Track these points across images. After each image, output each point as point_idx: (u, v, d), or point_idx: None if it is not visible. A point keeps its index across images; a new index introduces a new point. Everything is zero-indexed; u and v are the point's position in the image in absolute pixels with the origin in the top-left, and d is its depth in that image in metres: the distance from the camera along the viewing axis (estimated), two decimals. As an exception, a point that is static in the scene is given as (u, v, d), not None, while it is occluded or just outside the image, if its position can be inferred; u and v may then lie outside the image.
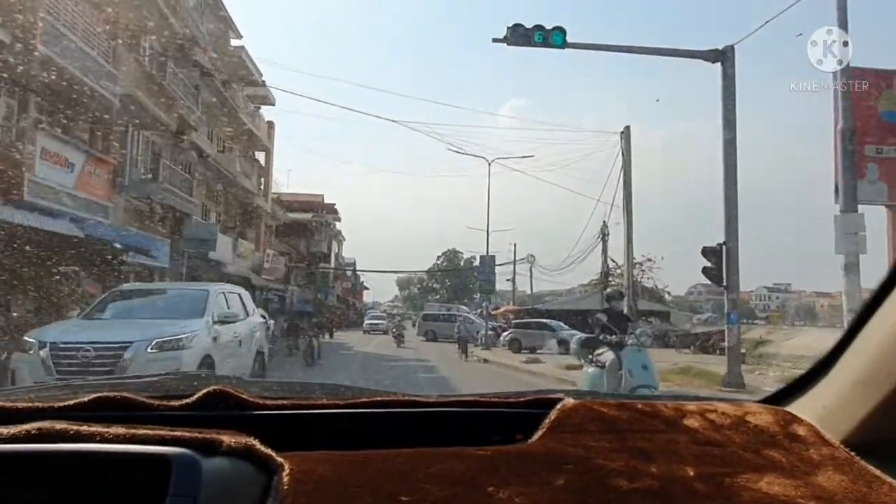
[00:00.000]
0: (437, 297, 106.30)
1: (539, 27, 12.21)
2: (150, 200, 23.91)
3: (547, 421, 1.14)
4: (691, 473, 1.01)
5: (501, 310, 49.40)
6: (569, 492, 0.95)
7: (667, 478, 0.99)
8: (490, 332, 37.09)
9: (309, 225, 64.15)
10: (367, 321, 49.19)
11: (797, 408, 1.25)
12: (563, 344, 29.78)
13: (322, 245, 65.55)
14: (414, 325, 48.95)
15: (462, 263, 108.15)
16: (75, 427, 0.96)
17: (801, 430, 1.15)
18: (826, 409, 1.19)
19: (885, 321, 1.09)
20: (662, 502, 0.94)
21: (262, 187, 40.44)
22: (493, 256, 34.29)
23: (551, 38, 12.22)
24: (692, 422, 1.17)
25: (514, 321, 33.14)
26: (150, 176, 24.67)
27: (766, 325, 60.09)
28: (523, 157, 38.10)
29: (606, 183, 24.26)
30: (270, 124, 40.84)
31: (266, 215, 41.34)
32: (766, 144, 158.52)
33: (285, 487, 0.90)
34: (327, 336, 40.56)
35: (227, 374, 8.21)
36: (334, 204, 76.28)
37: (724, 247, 12.30)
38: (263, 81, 39.22)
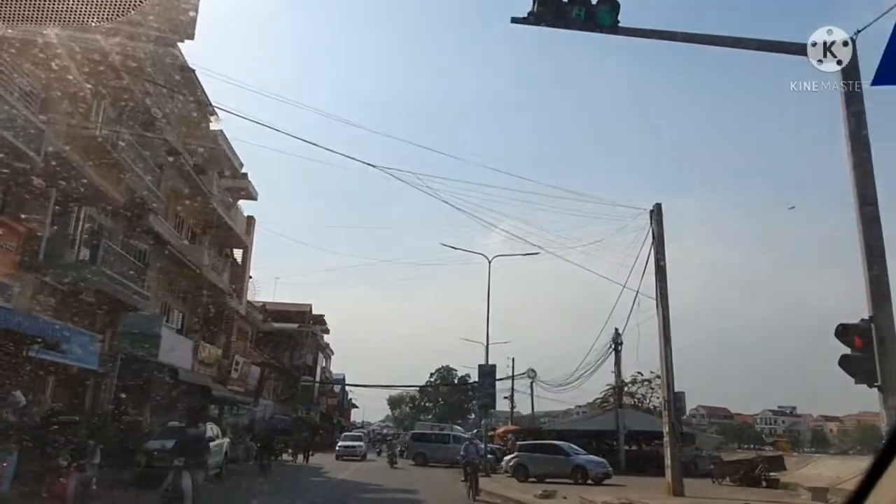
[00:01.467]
0: (430, 416, 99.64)
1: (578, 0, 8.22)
2: (83, 286, 19.36)
3: None
4: None
5: (500, 430, 43.58)
6: None
7: None
8: (489, 457, 31.50)
9: (294, 335, 59.27)
10: (340, 444, 40.08)
11: None
12: (580, 471, 24.36)
13: (307, 357, 60.24)
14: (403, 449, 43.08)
15: (455, 381, 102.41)
16: None
17: None
18: None
19: None
20: None
21: (237, 288, 35.91)
22: (494, 366, 29.39)
23: (597, 15, 8.23)
24: None
25: (518, 443, 27.66)
26: (84, 258, 20.28)
27: (773, 451, 54.21)
28: (528, 254, 33.05)
29: (631, 270, 19.80)
30: (250, 220, 36.88)
31: (240, 319, 36.55)
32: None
33: None
34: (299, 458, 34.79)
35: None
36: (323, 315, 71.79)
37: (872, 325, 7.70)
38: (245, 173, 35.73)
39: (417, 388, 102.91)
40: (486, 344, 29.32)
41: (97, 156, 18.97)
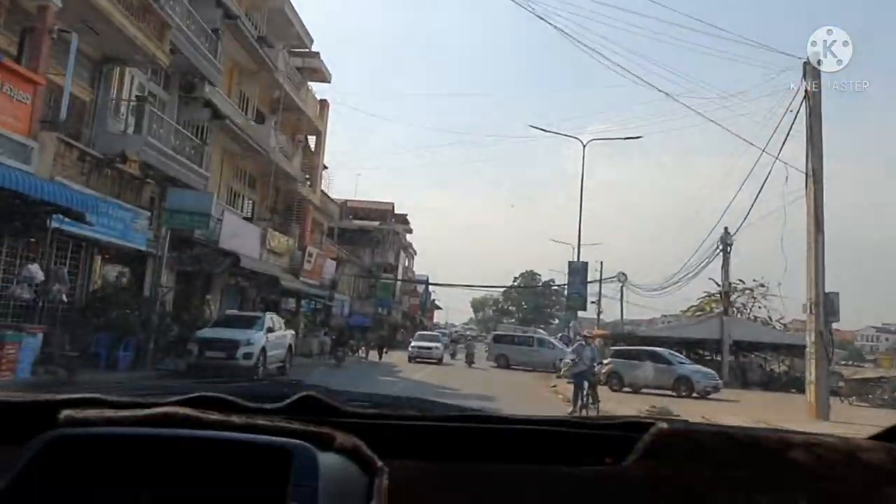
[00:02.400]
0: (513, 319, 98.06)
1: None
2: (127, 158, 17.05)
3: (641, 444, 1.06)
4: None
5: (596, 332, 40.54)
6: None
7: None
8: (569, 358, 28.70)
9: (375, 233, 57.46)
10: (413, 343, 34.33)
11: None
12: (684, 383, 21.10)
13: (388, 256, 58.56)
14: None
15: (540, 287, 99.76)
16: (197, 414, 0.98)
17: None
18: None
19: None
20: None
21: (310, 177, 33.52)
22: (586, 264, 26.09)
23: None
24: (798, 454, 1.06)
25: (613, 349, 24.44)
26: (129, 126, 17.92)
27: (875, 369, 49.07)
28: (628, 138, 28.99)
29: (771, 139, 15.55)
30: (324, 103, 33.96)
31: (314, 210, 34.33)
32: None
33: (386, 491, 0.90)
34: (372, 355, 33.15)
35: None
36: (406, 214, 69.72)
37: None
38: (316, 52, 32.55)
39: (501, 292, 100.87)
40: (577, 240, 25.94)
41: (130, 3, 16.14)
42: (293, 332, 21.83)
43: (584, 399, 15.51)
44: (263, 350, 17.61)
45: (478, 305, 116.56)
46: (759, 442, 1.10)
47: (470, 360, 34.01)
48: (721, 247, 29.95)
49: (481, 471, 1.00)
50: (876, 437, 1.22)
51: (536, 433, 1.16)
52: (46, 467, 0.92)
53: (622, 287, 45.94)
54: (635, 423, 1.15)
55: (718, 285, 47.48)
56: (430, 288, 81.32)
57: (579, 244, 25.63)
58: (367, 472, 0.95)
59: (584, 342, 17.06)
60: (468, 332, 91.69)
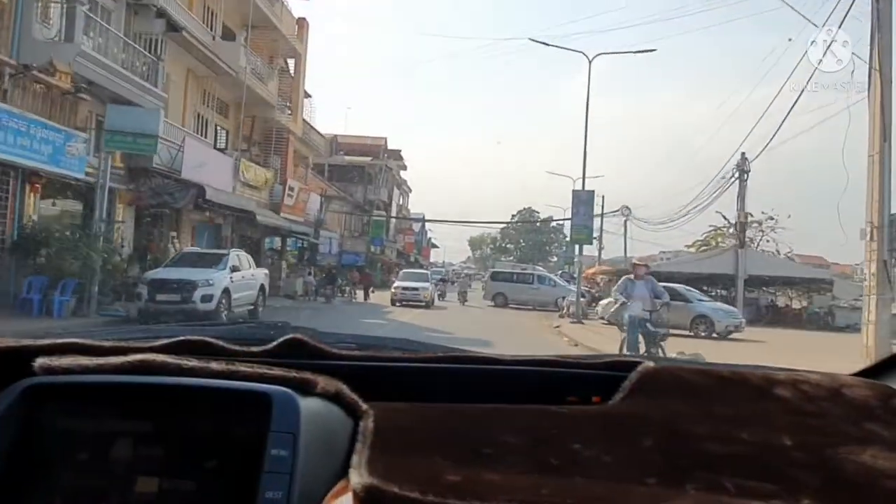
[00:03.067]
0: (511, 257, 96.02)
1: None
2: (51, 68, 14.32)
3: (628, 383, 1.07)
4: (788, 443, 0.93)
5: (592, 270, 38.30)
6: (657, 453, 0.90)
7: (762, 445, 0.93)
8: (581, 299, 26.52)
9: (367, 169, 54.66)
10: (397, 284, 29.05)
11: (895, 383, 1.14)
12: (703, 322, 18.90)
13: (381, 193, 55.87)
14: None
15: (538, 224, 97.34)
16: (175, 361, 0.97)
17: None
18: None
19: None
20: (759, 469, 0.88)
21: (291, 105, 30.60)
22: (592, 192, 23.51)
23: None
24: (783, 391, 1.07)
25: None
26: (61, 34, 15.12)
27: None
28: (640, 51, 25.32)
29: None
30: (301, 22, 30.74)
31: (296, 141, 31.52)
32: None
33: (372, 432, 0.90)
34: (359, 295, 30.96)
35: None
36: (399, 150, 66.70)
37: None
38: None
39: (499, 230, 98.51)
40: (583, 165, 23.22)
41: None
42: (266, 271, 19.41)
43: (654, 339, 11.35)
44: (227, 291, 15.31)
45: (475, 244, 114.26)
46: (745, 379, 1.11)
47: (463, 299, 32.04)
48: (737, 174, 27.35)
49: (467, 411, 0.99)
50: (861, 374, 1.23)
51: (523, 373, 1.16)
52: (21, 416, 0.91)
53: (625, 221, 43.58)
54: (622, 361, 1.16)
55: (725, 219, 45.27)
56: (427, 226, 79.00)
57: (584, 171, 23.03)
58: (351, 415, 0.95)
59: (632, 277, 12.12)
60: (465, 271, 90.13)
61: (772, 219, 43.28)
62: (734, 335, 18.57)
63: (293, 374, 0.96)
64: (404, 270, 34.62)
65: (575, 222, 23.96)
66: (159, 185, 19.08)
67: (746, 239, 45.32)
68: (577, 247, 26.06)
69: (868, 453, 0.92)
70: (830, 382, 1.11)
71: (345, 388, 0.97)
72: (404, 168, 68.83)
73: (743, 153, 27.12)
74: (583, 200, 23.62)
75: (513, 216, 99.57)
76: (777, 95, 25.74)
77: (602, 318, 23.67)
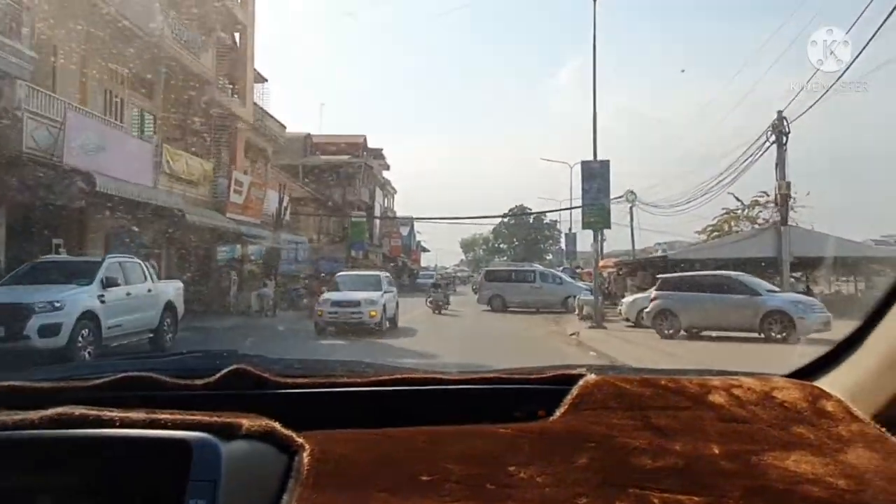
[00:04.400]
0: (505, 257, 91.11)
1: None
2: None
3: (569, 398, 1.07)
4: (717, 451, 0.95)
5: (602, 263, 33.02)
6: (592, 470, 0.91)
7: (692, 456, 0.94)
8: (589, 297, 21.33)
9: (346, 168, 49.47)
10: (324, 297, 17.61)
11: (825, 383, 1.16)
12: (778, 319, 13.61)
13: (362, 193, 50.59)
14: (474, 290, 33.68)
15: (531, 221, 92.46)
16: (95, 412, 0.94)
17: (829, 406, 1.07)
18: (856, 385, 1.12)
19: None
20: (688, 481, 0.89)
21: (239, 88, 25.32)
22: (607, 162, 18.34)
23: None
24: (717, 398, 1.08)
25: (662, 278, 16.58)
26: None
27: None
28: None
29: None
30: (245, -12, 25.50)
31: (248, 130, 26.21)
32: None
33: (306, 468, 0.88)
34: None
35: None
36: (381, 149, 61.49)
37: None
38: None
39: (490, 230, 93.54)
40: (593, 133, 17.95)
41: None
42: (178, 284, 14.11)
43: None
44: (93, 317, 10.05)
45: (467, 246, 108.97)
46: (683, 388, 1.11)
47: (435, 307, 23.74)
48: (774, 138, 22.22)
49: (409, 436, 0.97)
50: (793, 374, 1.24)
51: (470, 391, 1.15)
52: None
53: (631, 208, 38.33)
54: (566, 374, 1.15)
55: (739, 200, 40.15)
56: (417, 229, 73.88)
57: (595, 135, 17.80)
58: (284, 452, 0.91)
59: None
60: (459, 273, 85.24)
61: (774, 202, 38.36)
62: (822, 334, 13.22)
63: (216, 417, 0.92)
64: (340, 273, 21.54)
65: (586, 201, 18.76)
66: (34, 176, 13.85)
67: (762, 220, 40.63)
68: (593, 233, 20.57)
69: (792, 458, 0.93)
70: (762, 386, 1.12)
71: (276, 426, 0.93)
72: (387, 168, 63.65)
73: (779, 111, 22.08)
74: (595, 173, 18.35)
75: (504, 215, 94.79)
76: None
77: (627, 319, 18.49)
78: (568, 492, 0.87)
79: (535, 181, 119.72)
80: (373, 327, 16.37)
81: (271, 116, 30.05)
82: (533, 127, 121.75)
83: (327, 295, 17.60)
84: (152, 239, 19.05)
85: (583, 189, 18.75)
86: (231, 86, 24.76)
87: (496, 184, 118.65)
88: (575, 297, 23.78)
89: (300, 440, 0.93)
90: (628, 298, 19.33)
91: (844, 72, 16.00)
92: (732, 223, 41.60)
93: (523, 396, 1.13)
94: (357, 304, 16.43)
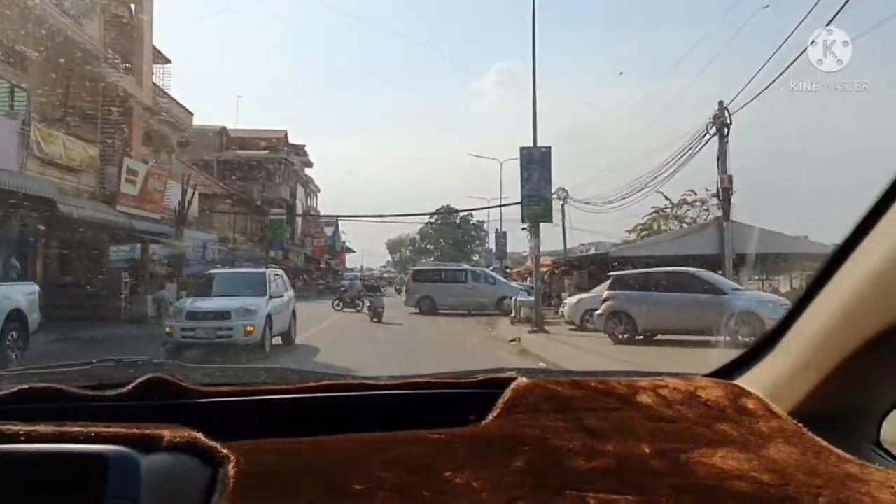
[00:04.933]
0: (432, 258, 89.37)
1: None
2: None
3: (501, 401, 1.05)
4: (647, 451, 0.95)
5: (531, 264, 31.46)
6: (527, 474, 0.89)
7: (623, 456, 0.94)
8: (527, 298, 19.56)
9: (265, 164, 46.35)
10: (175, 305, 13.92)
11: (746, 381, 1.18)
12: (748, 322, 12.00)
13: (281, 190, 47.42)
14: (399, 292, 31.49)
15: (458, 223, 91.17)
16: None
17: (750, 404, 1.09)
18: (774, 383, 1.13)
19: (831, 297, 1.03)
20: (620, 481, 0.89)
21: (134, 66, 22.18)
22: (549, 149, 16.52)
23: None
24: (645, 398, 1.09)
25: (614, 276, 14.70)
26: None
27: None
28: None
29: None
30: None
31: (146, 114, 23.08)
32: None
33: (232, 480, 0.83)
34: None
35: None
36: (304, 145, 58.35)
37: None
38: None
39: (417, 230, 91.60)
40: (532, 116, 16.08)
41: None
42: (33, 289, 11.26)
43: None
44: None
45: (394, 246, 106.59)
46: (612, 389, 1.11)
47: (374, 314, 20.02)
48: (715, 129, 21.07)
49: (339, 443, 0.93)
50: (714, 374, 1.25)
51: (399, 397, 1.12)
52: None
53: (563, 205, 37.07)
54: (497, 378, 1.13)
55: (667, 199, 39.56)
56: (341, 229, 71.05)
57: (535, 120, 15.94)
58: (208, 464, 0.85)
59: None
60: (385, 275, 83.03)
61: (716, 196, 38.04)
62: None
63: (135, 429, 0.85)
64: (212, 271, 16.16)
65: (526, 192, 16.87)
66: None
67: (689, 219, 40.18)
68: (531, 228, 18.54)
69: (718, 455, 0.94)
70: (687, 386, 1.13)
71: (199, 437, 0.87)
72: (310, 165, 60.51)
73: (720, 101, 20.97)
74: (535, 161, 16.49)
75: (430, 215, 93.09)
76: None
77: (571, 322, 16.74)
78: (504, 496, 0.86)
79: (463, 182, 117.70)
80: (250, 349, 11.52)
81: (176, 102, 26.96)
82: (459, 129, 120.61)
83: (181, 303, 13.24)
84: (19, 234, 15.94)
85: (522, 178, 16.85)
86: (125, 64, 21.63)
87: (424, 184, 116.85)
88: (509, 297, 21.98)
89: (224, 451, 0.86)
90: (571, 299, 17.59)
91: (786, 70, 15.45)
92: (661, 222, 41.14)
93: (454, 401, 1.11)
94: (225, 315, 11.51)
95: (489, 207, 45.81)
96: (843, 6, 10.98)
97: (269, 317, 12.13)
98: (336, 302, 25.16)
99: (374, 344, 14.43)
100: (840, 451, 0.97)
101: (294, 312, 14.21)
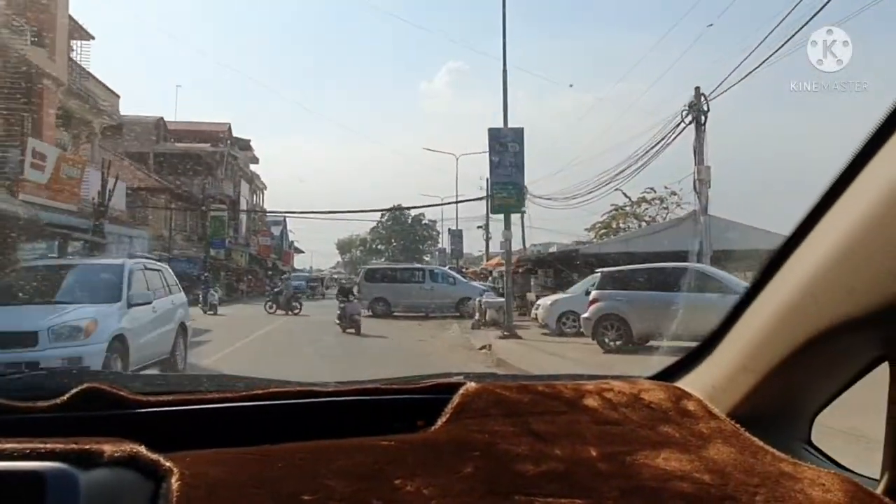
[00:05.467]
0: (383, 258, 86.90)
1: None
2: None
3: (450, 407, 1.04)
4: (594, 454, 0.96)
5: (494, 262, 29.61)
6: (477, 479, 0.88)
7: (571, 460, 0.94)
8: (494, 299, 17.55)
9: (205, 158, 43.23)
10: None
11: (686, 383, 1.20)
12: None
13: (224, 186, 44.31)
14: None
15: (410, 222, 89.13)
16: None
17: (690, 406, 1.11)
18: (713, 385, 1.15)
19: (768, 301, 1.05)
20: (568, 485, 0.89)
21: (41, 32, 19.24)
22: (522, 130, 14.51)
23: None
24: (591, 401, 1.10)
25: (603, 273, 12.77)
26: None
27: None
28: None
29: None
30: None
31: (55, 90, 20.11)
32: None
33: (175, 494, 0.78)
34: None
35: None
36: (249, 140, 55.27)
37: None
38: None
39: (368, 230, 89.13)
40: (503, 89, 13.99)
41: None
42: None
43: None
44: None
45: (344, 247, 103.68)
46: (559, 392, 1.11)
47: (349, 323, 16.46)
48: (691, 117, 19.47)
49: (287, 452, 0.89)
50: (657, 376, 1.26)
51: (347, 404, 1.10)
52: None
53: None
54: (445, 383, 1.12)
55: (627, 196, 38.22)
56: (289, 228, 68.08)
57: (506, 102, 13.82)
58: (150, 478, 0.81)
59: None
60: (336, 276, 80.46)
61: (675, 194, 36.96)
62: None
63: (73, 445, 0.80)
64: (36, 262, 12.48)
65: (496, 178, 14.77)
66: None
67: (649, 217, 38.97)
68: (506, 216, 16.33)
69: (661, 456, 0.95)
70: (630, 388, 1.13)
71: (140, 450, 0.82)
72: (255, 161, 57.46)
73: (697, 88, 19.44)
74: (507, 143, 14.38)
75: (382, 215, 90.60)
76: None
77: (544, 325, 14.79)
78: (455, 502, 0.84)
79: (416, 182, 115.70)
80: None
81: (100, 83, 24.02)
82: (411, 129, 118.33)
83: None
84: None
85: (491, 164, 14.70)
86: (35, 34, 18.74)
87: (376, 185, 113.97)
88: (471, 298, 19.96)
89: (167, 464, 0.82)
90: (545, 300, 15.59)
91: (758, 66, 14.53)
92: (620, 220, 39.83)
93: (403, 407, 1.09)
94: (27, 339, 7.10)
95: (444, 204, 43.79)
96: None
97: (120, 338, 7.73)
98: (268, 304, 23.05)
99: (317, 359, 12.04)
100: (775, 451, 0.98)
101: (185, 327, 9.95)
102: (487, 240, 44.42)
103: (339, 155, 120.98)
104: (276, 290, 24.73)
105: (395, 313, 21.69)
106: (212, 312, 22.35)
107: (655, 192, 38.18)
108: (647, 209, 39.61)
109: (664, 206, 38.82)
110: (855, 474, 0.99)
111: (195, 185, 41.34)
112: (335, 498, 0.81)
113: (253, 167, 56.79)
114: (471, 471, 0.89)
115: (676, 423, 1.05)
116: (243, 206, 49.57)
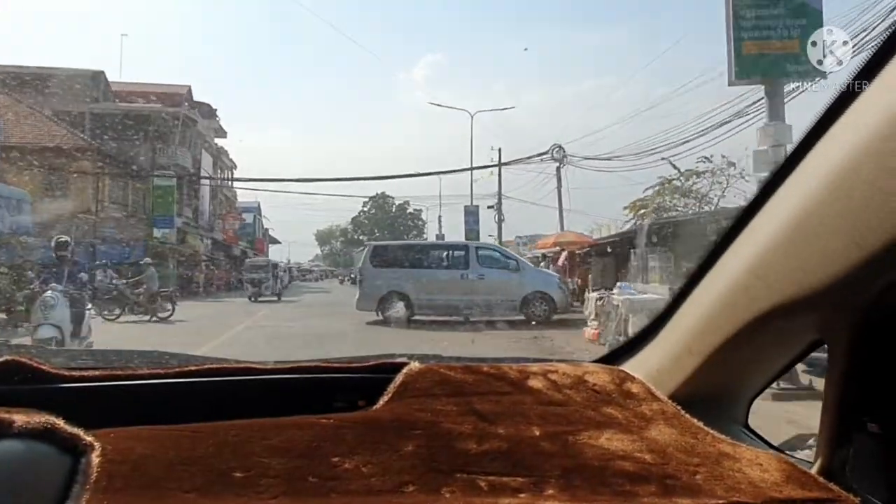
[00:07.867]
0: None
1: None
2: None
3: (392, 386, 1.01)
4: (537, 433, 0.96)
5: (541, 243, 21.20)
6: (418, 457, 0.87)
7: (514, 439, 0.94)
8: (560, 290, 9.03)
9: (156, 121, 34.08)
10: None
11: (630, 366, 1.19)
12: None
13: (179, 155, 34.99)
14: (342, 283, 20.40)
15: (394, 211, 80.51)
16: None
17: (633, 388, 1.10)
18: (655, 368, 1.15)
19: (710, 285, 1.05)
20: (511, 463, 0.88)
21: None
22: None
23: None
24: (536, 383, 1.09)
25: None
26: None
27: None
28: None
29: None
30: None
31: None
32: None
33: (97, 470, 0.74)
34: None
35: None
36: (215, 109, 45.97)
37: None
38: None
39: (350, 219, 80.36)
40: None
41: None
42: None
43: None
44: None
45: (323, 238, 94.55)
46: (504, 373, 1.09)
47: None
48: None
49: (219, 430, 0.85)
50: (602, 360, 1.25)
51: (286, 382, 1.06)
52: None
53: (558, 168, 27.11)
54: (388, 363, 1.08)
55: (675, 167, 30.33)
56: (263, 215, 58.89)
57: None
58: (69, 452, 0.76)
59: None
60: (315, 268, 72.29)
61: (732, 164, 28.83)
62: None
63: None
64: None
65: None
66: None
67: (700, 193, 30.88)
68: None
69: (605, 437, 0.94)
70: (575, 371, 1.13)
71: (58, 423, 0.78)
72: (223, 135, 48.00)
73: None
74: None
75: (364, 203, 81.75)
76: None
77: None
78: (394, 480, 0.82)
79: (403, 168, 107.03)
80: None
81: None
82: (396, 119, 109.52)
83: None
84: None
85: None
86: None
87: (358, 173, 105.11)
88: (544, 293, 11.40)
89: (88, 439, 0.78)
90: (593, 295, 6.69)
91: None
92: (668, 197, 31.73)
93: (344, 386, 1.05)
94: None
95: (451, 172, 35.16)
96: None
97: None
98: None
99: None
100: (714, 432, 0.98)
101: None
102: (500, 221, 35.82)
103: (322, 146, 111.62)
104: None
105: (418, 318, 13.05)
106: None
107: (711, 161, 30.08)
108: (695, 183, 31.42)
109: (717, 179, 30.66)
110: (791, 456, 0.97)
111: (143, 153, 32.36)
112: (269, 475, 0.78)
113: (220, 142, 47.57)
114: (412, 449, 0.87)
115: (619, 404, 1.04)
116: (206, 183, 40.51)
